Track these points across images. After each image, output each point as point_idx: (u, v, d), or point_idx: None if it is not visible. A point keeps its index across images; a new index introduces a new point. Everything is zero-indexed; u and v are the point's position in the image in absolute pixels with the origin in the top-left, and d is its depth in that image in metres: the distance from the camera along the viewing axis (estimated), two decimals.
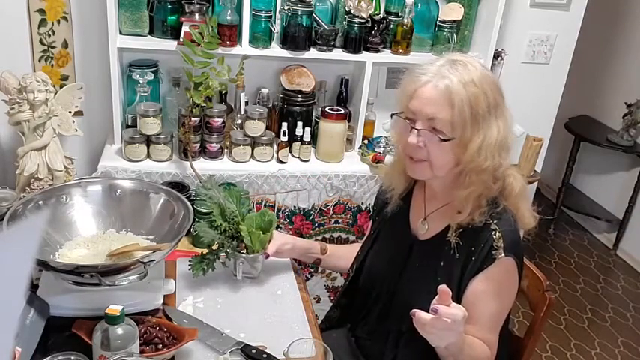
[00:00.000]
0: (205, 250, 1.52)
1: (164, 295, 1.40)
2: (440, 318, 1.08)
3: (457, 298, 1.26)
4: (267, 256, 1.51)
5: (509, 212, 1.28)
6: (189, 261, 1.51)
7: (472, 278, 1.26)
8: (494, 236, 1.24)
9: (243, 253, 1.51)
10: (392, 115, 1.32)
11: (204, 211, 1.66)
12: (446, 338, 1.12)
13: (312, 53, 2.18)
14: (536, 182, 2.63)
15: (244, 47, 2.11)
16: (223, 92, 2.20)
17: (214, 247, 1.52)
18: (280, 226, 2.17)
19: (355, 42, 2.19)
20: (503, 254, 1.23)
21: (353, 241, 2.28)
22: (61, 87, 2.04)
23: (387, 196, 1.47)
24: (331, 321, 1.63)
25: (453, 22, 2.26)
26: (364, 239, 1.60)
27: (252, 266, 1.55)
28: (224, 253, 1.50)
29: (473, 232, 1.26)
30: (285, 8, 2.12)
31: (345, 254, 1.64)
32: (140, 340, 1.20)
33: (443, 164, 1.25)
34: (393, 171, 1.45)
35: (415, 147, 1.24)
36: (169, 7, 2.07)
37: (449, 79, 1.20)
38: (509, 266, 1.26)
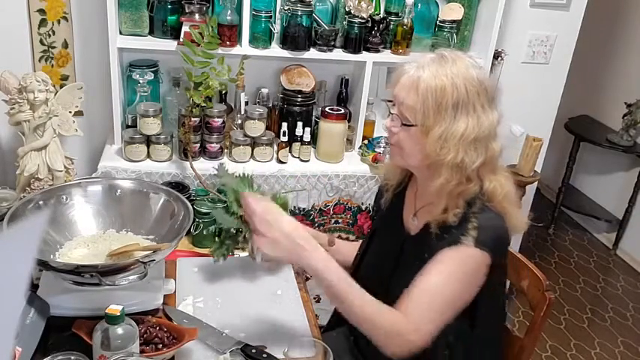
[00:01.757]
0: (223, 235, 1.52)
1: (164, 295, 1.40)
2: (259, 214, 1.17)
3: None
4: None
5: (493, 211, 1.26)
6: (210, 248, 1.51)
7: (436, 254, 1.25)
8: (468, 226, 1.23)
9: None
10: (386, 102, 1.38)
11: (204, 211, 1.66)
12: (276, 247, 1.17)
13: (312, 53, 2.18)
14: (536, 182, 2.63)
15: (244, 47, 2.11)
16: (223, 92, 2.20)
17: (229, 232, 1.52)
18: None
19: (355, 42, 2.19)
20: (472, 244, 1.21)
21: (353, 241, 2.28)
22: (61, 87, 2.04)
23: (384, 192, 1.50)
24: (333, 320, 1.63)
25: (453, 22, 2.26)
26: (364, 238, 1.61)
27: None
28: (242, 237, 1.51)
29: (453, 224, 1.26)
30: (285, 8, 2.12)
31: (349, 251, 1.63)
32: (140, 340, 1.20)
33: (410, 151, 1.28)
34: (389, 162, 1.49)
35: (390, 132, 1.30)
36: (169, 7, 2.07)
37: (424, 70, 1.23)
38: (473, 255, 1.21)
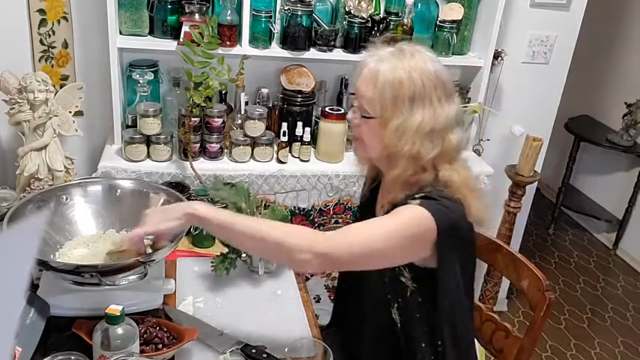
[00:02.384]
0: (226, 250, 1.53)
1: (164, 295, 1.40)
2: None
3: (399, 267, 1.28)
4: None
5: (445, 196, 1.24)
6: (212, 262, 1.52)
7: None
8: (416, 196, 1.23)
9: None
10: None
11: (201, 226, 1.66)
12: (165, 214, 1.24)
13: (312, 53, 2.18)
14: (536, 182, 2.63)
15: (244, 47, 2.11)
16: (223, 92, 2.20)
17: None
18: None
19: (355, 42, 2.19)
20: (417, 203, 1.20)
21: None
22: (61, 87, 2.04)
23: (363, 188, 1.53)
24: (332, 321, 1.64)
25: (453, 22, 2.26)
26: None
27: (270, 262, 1.58)
28: (244, 252, 1.53)
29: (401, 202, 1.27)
30: (285, 8, 2.12)
31: None
32: (140, 340, 1.20)
33: (371, 143, 1.30)
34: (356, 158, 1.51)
35: (352, 124, 1.33)
36: (169, 7, 2.07)
37: (383, 63, 1.25)
38: (417, 210, 1.20)
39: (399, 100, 1.23)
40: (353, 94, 1.35)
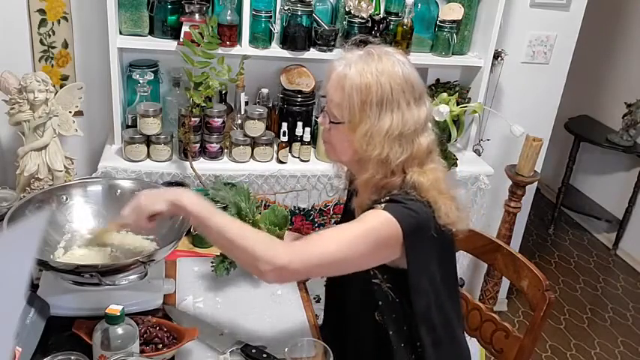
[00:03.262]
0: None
1: (164, 295, 1.40)
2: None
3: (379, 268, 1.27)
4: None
5: (414, 198, 1.23)
6: (212, 262, 1.52)
7: None
8: (381, 200, 1.23)
9: None
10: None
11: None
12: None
13: (312, 53, 2.18)
14: (536, 182, 2.63)
15: (244, 47, 2.11)
16: (223, 92, 2.20)
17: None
18: None
19: (355, 42, 2.19)
20: (381, 208, 1.21)
21: None
22: (61, 87, 2.04)
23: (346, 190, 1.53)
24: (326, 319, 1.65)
25: (453, 22, 2.26)
26: None
27: None
28: None
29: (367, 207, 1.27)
30: (285, 8, 2.12)
31: None
32: (140, 340, 1.20)
33: (341, 147, 1.29)
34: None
35: (324, 129, 1.31)
36: (169, 7, 2.07)
37: (352, 67, 1.24)
38: (381, 215, 1.20)
39: (366, 105, 1.22)
40: (324, 96, 1.34)
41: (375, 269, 1.28)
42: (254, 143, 2.15)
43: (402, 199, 1.22)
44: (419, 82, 1.27)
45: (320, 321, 1.62)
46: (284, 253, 1.16)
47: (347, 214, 1.48)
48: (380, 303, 1.31)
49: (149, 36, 2.11)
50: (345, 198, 1.54)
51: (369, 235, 1.19)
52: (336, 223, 2.26)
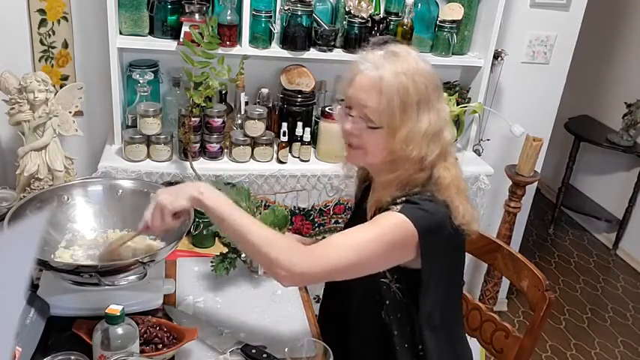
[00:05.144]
0: (226, 250, 1.53)
1: (164, 295, 1.40)
2: None
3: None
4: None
5: (430, 199, 1.24)
6: (211, 261, 1.52)
7: None
8: (397, 201, 1.23)
9: None
10: (338, 102, 1.35)
11: (204, 210, 1.66)
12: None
13: (312, 53, 2.18)
14: (536, 182, 2.63)
15: (244, 47, 2.11)
16: (223, 92, 2.20)
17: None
18: None
19: (355, 42, 2.19)
20: (397, 210, 1.21)
21: None
22: (61, 87, 2.04)
23: (356, 188, 1.52)
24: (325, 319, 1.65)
25: (453, 22, 2.26)
26: None
27: None
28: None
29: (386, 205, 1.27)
30: (285, 8, 2.12)
31: None
32: (140, 340, 1.20)
33: (375, 151, 1.27)
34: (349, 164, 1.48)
35: (351, 134, 1.27)
36: (169, 7, 2.07)
37: (383, 69, 1.22)
38: (396, 218, 1.20)
39: (407, 106, 1.20)
40: (342, 100, 1.30)
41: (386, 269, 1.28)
42: (254, 143, 2.15)
43: (418, 199, 1.22)
44: (438, 76, 1.27)
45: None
46: (302, 260, 1.16)
47: (358, 214, 1.47)
48: (387, 302, 1.31)
49: (149, 36, 2.11)
50: (355, 198, 1.54)
51: (385, 239, 1.19)
52: (336, 222, 2.26)
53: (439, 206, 1.23)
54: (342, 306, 1.47)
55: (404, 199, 1.23)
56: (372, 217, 1.31)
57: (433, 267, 1.25)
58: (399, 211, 1.20)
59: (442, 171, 1.26)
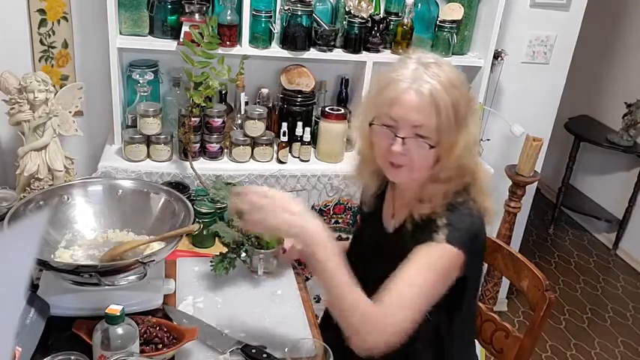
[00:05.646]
0: (225, 250, 1.53)
1: (164, 295, 1.40)
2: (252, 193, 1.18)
3: None
4: (285, 251, 1.53)
5: (471, 206, 1.26)
6: (211, 261, 1.52)
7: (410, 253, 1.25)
8: (438, 223, 1.24)
9: (261, 249, 1.53)
10: (370, 124, 1.28)
11: (204, 211, 1.66)
12: (267, 218, 1.16)
13: (312, 53, 2.18)
14: (536, 182, 2.63)
15: (244, 47, 2.11)
16: (223, 92, 2.20)
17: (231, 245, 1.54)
18: None
19: (355, 42, 2.19)
20: (444, 240, 1.21)
21: None
22: (61, 87, 2.04)
23: (364, 195, 1.51)
24: (326, 320, 1.64)
25: (453, 22, 2.26)
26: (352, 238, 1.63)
27: (269, 262, 1.57)
28: (244, 252, 1.53)
29: (425, 220, 1.27)
30: (285, 8, 2.12)
31: None
32: (140, 340, 1.19)
33: (424, 167, 1.25)
34: (363, 173, 1.45)
35: (399, 154, 1.23)
36: (169, 7, 2.07)
37: (430, 85, 1.18)
38: (446, 251, 1.21)
39: (461, 120, 1.20)
40: (390, 126, 1.23)
41: None
42: (254, 143, 2.15)
43: (458, 217, 1.23)
44: None
45: (320, 321, 1.62)
46: (381, 335, 1.14)
47: (373, 221, 1.46)
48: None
49: (149, 36, 2.11)
50: (364, 205, 1.51)
51: (444, 274, 1.21)
52: (336, 222, 2.26)
53: (475, 217, 1.25)
54: None
55: (445, 220, 1.23)
56: (400, 226, 1.32)
57: (475, 277, 1.30)
58: (447, 241, 1.21)
59: (481, 173, 1.28)
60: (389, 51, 2.27)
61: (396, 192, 1.42)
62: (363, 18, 2.16)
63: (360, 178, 1.47)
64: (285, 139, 2.16)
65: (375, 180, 1.43)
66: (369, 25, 2.20)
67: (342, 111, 2.21)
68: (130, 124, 2.15)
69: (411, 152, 1.22)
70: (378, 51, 2.23)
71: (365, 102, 1.34)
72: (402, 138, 1.22)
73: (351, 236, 2.25)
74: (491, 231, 2.63)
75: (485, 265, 2.54)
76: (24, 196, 1.58)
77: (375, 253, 1.42)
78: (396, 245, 1.35)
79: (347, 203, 2.24)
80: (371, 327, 1.14)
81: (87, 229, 1.48)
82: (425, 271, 1.20)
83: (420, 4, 2.28)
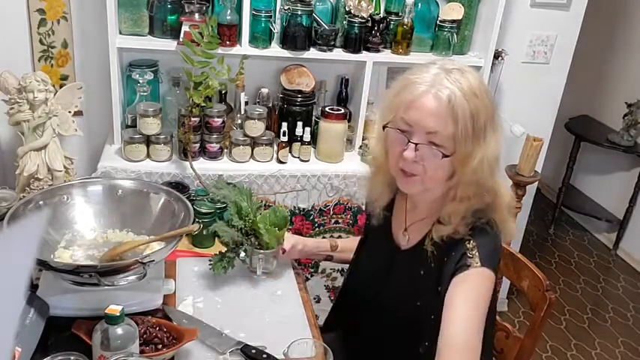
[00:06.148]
0: (224, 249, 1.53)
1: (164, 295, 1.40)
2: None
3: (440, 305, 1.21)
4: (284, 251, 1.53)
5: (492, 224, 1.23)
6: (210, 260, 1.52)
7: (449, 283, 1.21)
8: (467, 246, 1.20)
9: (260, 249, 1.53)
10: (383, 127, 1.24)
11: (203, 211, 1.66)
12: None
13: (312, 53, 2.18)
14: (537, 182, 2.63)
15: (244, 47, 2.11)
16: (223, 92, 2.20)
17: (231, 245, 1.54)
18: None
19: (355, 42, 2.19)
20: (479, 264, 1.18)
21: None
22: (60, 87, 2.04)
23: (372, 208, 1.43)
24: (329, 322, 1.64)
25: (453, 22, 2.26)
26: (358, 242, 1.59)
27: (268, 262, 1.57)
28: (243, 251, 1.52)
29: (447, 242, 1.23)
30: (285, 8, 2.12)
31: (353, 247, 1.63)
32: (140, 340, 1.19)
33: (438, 179, 1.21)
34: (376, 183, 1.38)
35: (411, 161, 1.19)
36: (169, 6, 2.06)
37: (450, 90, 1.13)
38: (485, 275, 1.19)
39: (479, 130, 1.15)
40: (404, 131, 1.19)
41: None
42: (254, 143, 2.15)
43: (487, 236, 1.21)
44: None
45: (320, 322, 1.62)
46: None
47: (381, 235, 1.42)
48: (427, 339, 1.26)
49: (149, 36, 2.10)
50: (371, 216, 1.47)
51: (487, 299, 1.19)
52: (336, 222, 2.26)
53: (497, 237, 1.24)
54: (372, 329, 1.44)
55: (472, 243, 1.20)
56: (417, 244, 1.30)
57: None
58: (481, 265, 1.18)
59: (503, 193, 1.23)
60: (389, 51, 2.27)
61: (408, 204, 1.37)
62: (363, 18, 2.15)
63: (372, 188, 1.40)
64: (285, 139, 2.16)
65: (389, 192, 1.38)
66: (369, 24, 2.20)
67: (342, 111, 2.21)
68: (129, 124, 2.14)
69: (424, 160, 1.18)
70: (378, 51, 2.23)
71: (382, 103, 1.29)
72: (415, 144, 1.17)
73: (351, 236, 2.27)
74: None
75: None
76: (23, 196, 1.58)
77: (386, 269, 1.39)
78: (411, 263, 1.32)
79: (347, 203, 2.24)
80: None
81: (86, 229, 1.48)
82: (476, 304, 1.17)
83: (420, 4, 2.28)
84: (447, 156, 1.16)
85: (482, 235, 1.21)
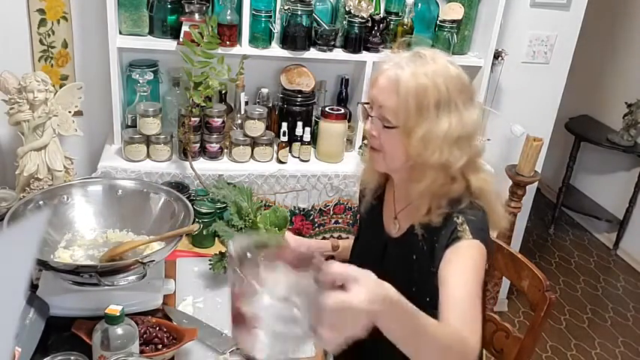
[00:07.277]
0: (224, 249, 1.54)
1: (164, 295, 1.40)
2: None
3: (435, 283, 1.22)
4: None
5: (476, 207, 1.26)
6: (210, 260, 1.52)
7: (441, 259, 1.22)
8: (457, 221, 1.23)
9: None
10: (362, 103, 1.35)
11: (203, 211, 1.66)
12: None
13: (312, 53, 2.18)
14: (537, 182, 2.63)
15: (244, 47, 2.11)
16: (223, 92, 2.20)
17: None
18: None
19: (355, 42, 2.19)
20: (470, 236, 1.21)
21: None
22: (60, 87, 2.04)
23: (362, 197, 1.50)
24: None
25: (453, 21, 2.26)
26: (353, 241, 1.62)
27: None
28: None
29: (438, 225, 1.26)
30: (285, 8, 2.12)
31: None
32: (140, 340, 1.19)
33: (393, 154, 1.27)
34: (366, 167, 1.48)
35: (370, 135, 1.28)
36: (169, 6, 2.06)
37: (402, 70, 1.21)
38: (477, 246, 1.22)
39: (423, 107, 1.19)
40: (367, 103, 1.30)
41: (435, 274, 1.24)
42: (254, 143, 2.15)
43: (474, 215, 1.24)
44: (470, 83, 1.26)
45: None
46: (471, 349, 1.07)
47: (372, 222, 1.46)
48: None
49: (149, 36, 2.10)
50: (362, 206, 1.51)
51: (482, 270, 1.21)
52: (336, 222, 2.26)
53: (483, 213, 1.26)
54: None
55: (461, 218, 1.23)
56: (407, 231, 1.32)
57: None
58: (473, 237, 1.21)
59: (480, 182, 1.26)
60: (389, 51, 2.26)
61: (396, 193, 1.41)
62: (363, 18, 2.15)
63: (364, 172, 1.48)
64: (285, 139, 2.16)
65: (376, 176, 1.43)
66: (369, 24, 2.20)
67: (342, 111, 2.21)
68: (129, 124, 2.14)
69: (380, 135, 1.26)
70: (378, 51, 2.23)
71: None
72: (371, 117, 1.27)
73: (351, 236, 2.27)
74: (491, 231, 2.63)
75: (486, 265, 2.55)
76: (23, 196, 1.58)
77: (379, 257, 1.41)
78: (403, 250, 1.35)
79: (347, 203, 2.24)
80: (463, 349, 1.07)
81: (86, 229, 1.48)
82: (471, 274, 1.19)
83: (420, 4, 2.28)
84: (388, 127, 1.24)
85: (469, 215, 1.24)
